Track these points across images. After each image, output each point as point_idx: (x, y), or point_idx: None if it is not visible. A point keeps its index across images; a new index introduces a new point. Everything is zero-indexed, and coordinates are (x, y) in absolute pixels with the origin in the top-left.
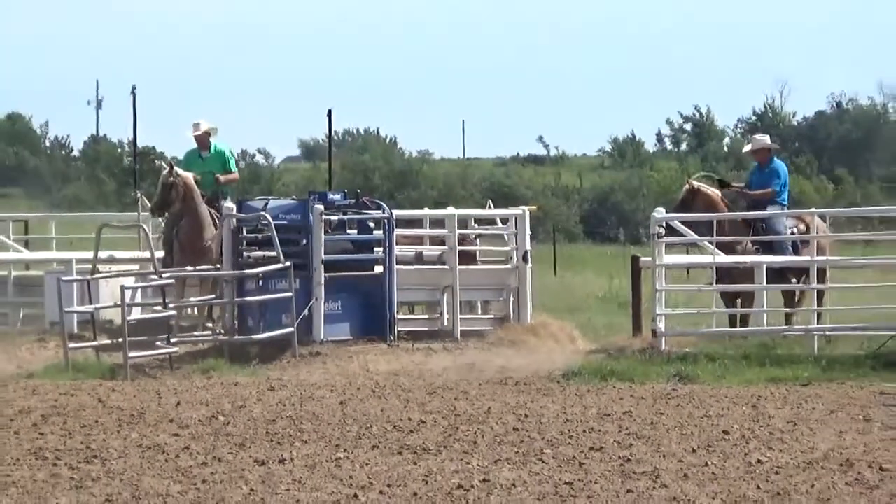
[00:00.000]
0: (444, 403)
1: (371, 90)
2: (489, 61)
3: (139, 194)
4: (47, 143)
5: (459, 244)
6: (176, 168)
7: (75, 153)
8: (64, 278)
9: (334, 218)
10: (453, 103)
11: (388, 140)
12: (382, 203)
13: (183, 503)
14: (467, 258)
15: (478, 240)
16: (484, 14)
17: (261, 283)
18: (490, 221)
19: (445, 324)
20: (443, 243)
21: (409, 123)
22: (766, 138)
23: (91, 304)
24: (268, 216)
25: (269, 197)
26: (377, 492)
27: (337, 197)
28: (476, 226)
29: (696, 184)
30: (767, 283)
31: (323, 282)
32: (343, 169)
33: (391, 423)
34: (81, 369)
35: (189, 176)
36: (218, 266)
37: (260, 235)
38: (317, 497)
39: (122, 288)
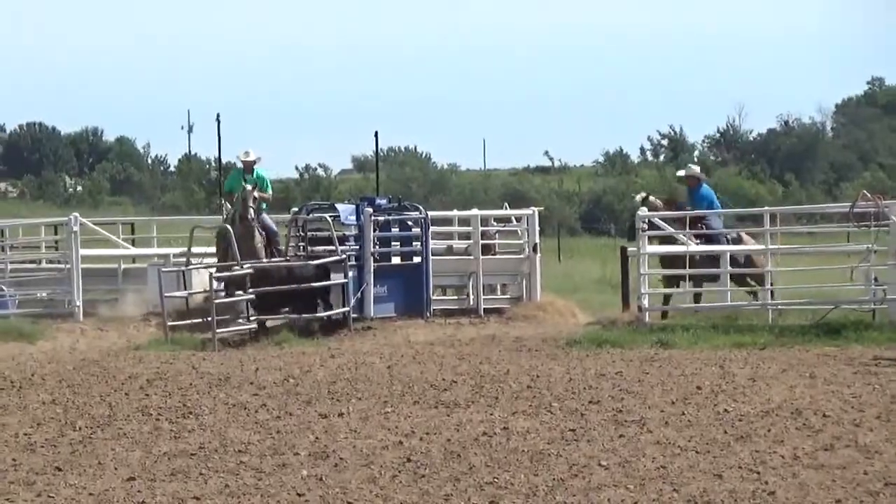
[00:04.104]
0: (471, 367)
1: (409, 114)
2: (505, 90)
3: (223, 202)
4: (149, 161)
5: (482, 239)
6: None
7: (171, 168)
8: (163, 269)
9: (381, 218)
10: (476, 124)
11: (423, 155)
12: (419, 206)
13: (262, 449)
14: (487, 250)
15: (497, 235)
16: (501, 52)
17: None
18: (506, 220)
19: (471, 303)
20: (468, 238)
21: (440, 141)
22: (697, 168)
23: (185, 290)
24: (328, 218)
25: (329, 202)
26: (418, 438)
27: (383, 201)
28: (495, 223)
29: (645, 195)
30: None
31: (372, 270)
32: (388, 179)
33: (429, 383)
34: (178, 343)
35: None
36: (288, 258)
37: (322, 233)
38: (369, 443)
39: (211, 276)
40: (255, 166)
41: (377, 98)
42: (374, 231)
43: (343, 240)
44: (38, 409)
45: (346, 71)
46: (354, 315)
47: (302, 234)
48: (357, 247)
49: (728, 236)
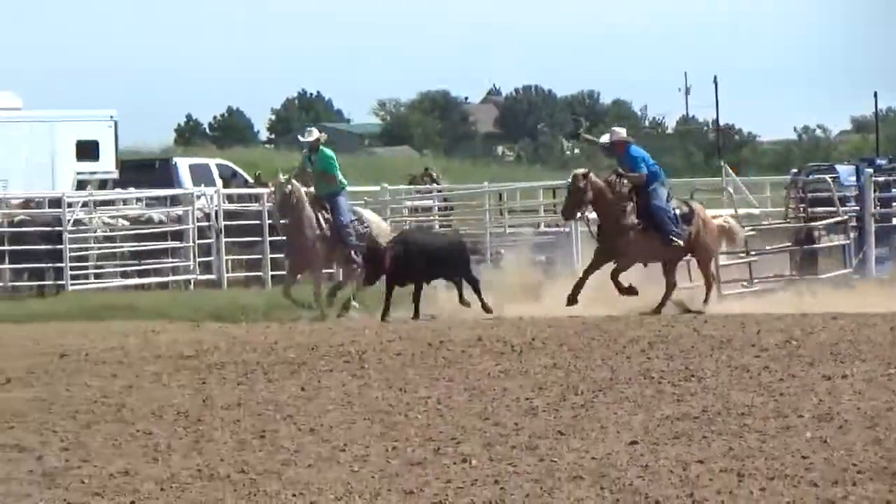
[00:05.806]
0: None
1: None
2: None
3: (722, 163)
4: (646, 123)
5: None
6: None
7: (669, 131)
8: None
9: (881, 179)
10: None
11: None
12: None
13: (765, 412)
14: None
15: None
16: None
17: (824, 233)
18: None
19: None
20: None
21: None
22: (622, 131)
23: None
24: (828, 179)
25: (828, 164)
26: None
27: (883, 162)
28: None
29: (584, 171)
30: None
31: (873, 231)
32: (887, 139)
33: None
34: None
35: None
36: (788, 220)
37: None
38: (873, 405)
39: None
40: (320, 145)
41: (877, 56)
42: (875, 192)
43: (843, 201)
44: (539, 373)
45: (842, 27)
46: (856, 276)
47: (802, 195)
48: (857, 208)
49: (676, 210)
